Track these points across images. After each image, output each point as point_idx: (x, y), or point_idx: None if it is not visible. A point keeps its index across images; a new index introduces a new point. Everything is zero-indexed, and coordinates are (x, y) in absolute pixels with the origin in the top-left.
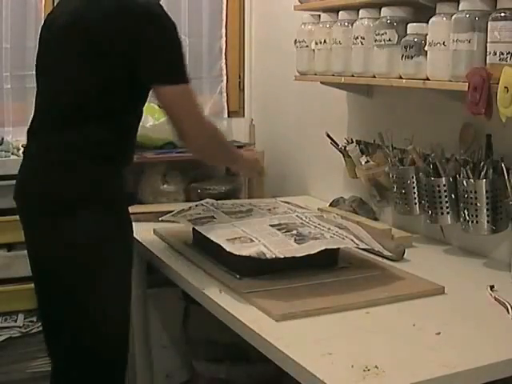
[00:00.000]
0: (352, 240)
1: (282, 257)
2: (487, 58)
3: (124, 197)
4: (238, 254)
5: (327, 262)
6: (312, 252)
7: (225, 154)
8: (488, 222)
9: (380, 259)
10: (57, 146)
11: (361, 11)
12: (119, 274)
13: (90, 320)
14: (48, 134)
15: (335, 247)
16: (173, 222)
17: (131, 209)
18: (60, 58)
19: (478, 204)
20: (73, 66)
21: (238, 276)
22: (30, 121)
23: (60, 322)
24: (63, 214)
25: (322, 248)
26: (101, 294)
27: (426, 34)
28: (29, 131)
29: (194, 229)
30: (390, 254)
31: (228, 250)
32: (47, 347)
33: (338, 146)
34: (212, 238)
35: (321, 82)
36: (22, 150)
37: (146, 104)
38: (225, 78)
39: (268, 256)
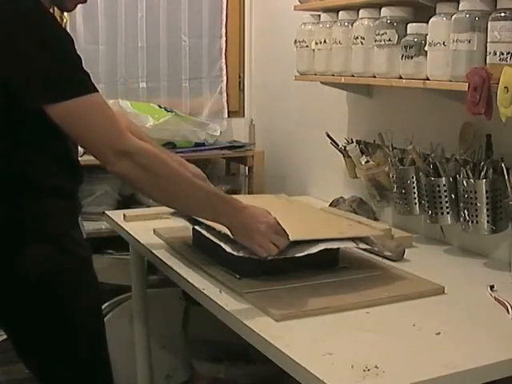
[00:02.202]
0: (352, 240)
1: (282, 257)
2: (487, 58)
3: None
4: (238, 254)
5: (327, 262)
6: (312, 252)
7: (180, 186)
8: (488, 222)
9: (380, 259)
10: None
11: (361, 11)
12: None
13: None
14: None
15: (335, 247)
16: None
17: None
18: None
19: (478, 204)
20: None
21: (237, 276)
22: None
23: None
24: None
25: (322, 248)
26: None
27: (426, 34)
28: None
29: (193, 229)
30: (389, 254)
31: (228, 250)
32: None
33: (338, 146)
34: (212, 239)
35: (321, 82)
36: None
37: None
38: (225, 78)
39: (268, 256)
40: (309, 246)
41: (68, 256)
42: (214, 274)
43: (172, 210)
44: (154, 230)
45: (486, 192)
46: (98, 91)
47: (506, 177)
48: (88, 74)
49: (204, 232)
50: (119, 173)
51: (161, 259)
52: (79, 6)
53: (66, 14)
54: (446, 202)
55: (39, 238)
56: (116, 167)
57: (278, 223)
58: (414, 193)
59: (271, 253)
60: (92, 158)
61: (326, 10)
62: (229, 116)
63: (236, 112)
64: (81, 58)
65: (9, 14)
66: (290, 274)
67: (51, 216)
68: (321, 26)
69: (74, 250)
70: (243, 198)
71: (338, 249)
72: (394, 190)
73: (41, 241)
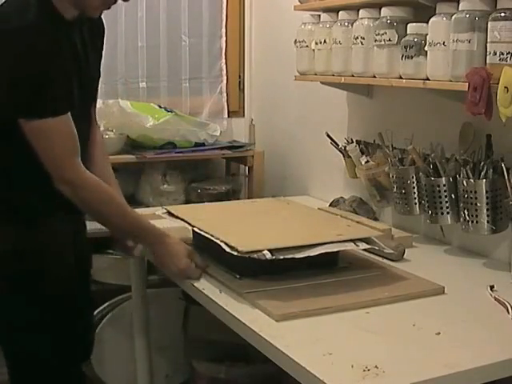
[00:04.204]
0: (352, 241)
1: (282, 258)
2: (487, 57)
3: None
4: (237, 254)
5: (327, 262)
6: (312, 254)
7: (110, 218)
8: (488, 222)
9: (380, 259)
10: None
11: (361, 11)
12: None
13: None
14: None
15: (335, 250)
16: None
17: None
18: None
19: (478, 204)
20: None
21: (237, 276)
22: None
23: None
24: None
25: (322, 252)
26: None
27: (426, 34)
28: None
29: (193, 229)
30: (391, 252)
31: (228, 250)
32: None
33: (338, 146)
34: (212, 238)
35: (321, 82)
36: None
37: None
38: (225, 78)
39: (268, 257)
40: (309, 248)
41: (37, 237)
42: (214, 274)
43: (170, 211)
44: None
45: (486, 192)
46: (64, 113)
47: (506, 177)
48: (67, 93)
49: (203, 233)
50: (61, 191)
51: None
52: None
53: None
54: (446, 202)
55: (14, 220)
56: (60, 187)
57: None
58: (414, 193)
59: (193, 275)
60: None
61: (326, 9)
62: (229, 116)
63: (236, 112)
64: (67, 73)
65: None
66: (290, 273)
67: (26, 203)
68: (321, 25)
69: (43, 234)
70: (242, 204)
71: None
72: (394, 190)
73: (15, 222)
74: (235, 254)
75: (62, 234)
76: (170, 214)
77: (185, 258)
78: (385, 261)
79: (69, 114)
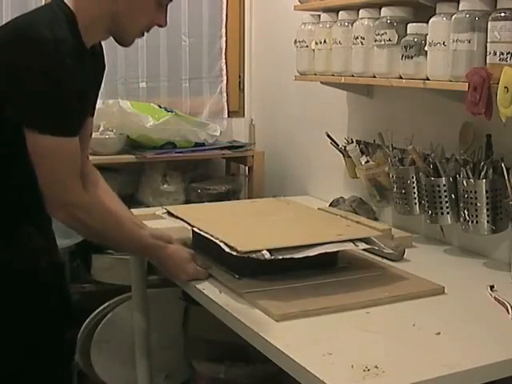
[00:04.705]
0: (351, 241)
1: (281, 258)
2: (487, 57)
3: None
4: (236, 254)
5: (327, 262)
6: (311, 254)
7: (108, 238)
8: (488, 222)
9: (380, 259)
10: None
11: (361, 11)
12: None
13: None
14: None
15: (334, 250)
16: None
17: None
18: None
19: (478, 204)
20: None
21: (237, 276)
22: None
23: None
24: None
25: (321, 252)
26: None
27: (426, 34)
28: None
29: (193, 229)
30: (390, 252)
31: (227, 250)
32: None
33: (338, 146)
34: (212, 239)
35: (321, 82)
36: None
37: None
38: (225, 78)
39: (267, 257)
40: (308, 248)
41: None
42: (214, 274)
43: (170, 211)
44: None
45: (486, 192)
46: (75, 136)
47: (506, 177)
48: (78, 116)
49: (203, 233)
50: (56, 219)
51: None
52: None
53: None
54: (446, 202)
55: None
56: (57, 212)
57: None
58: (414, 193)
59: (201, 277)
60: (91, 158)
61: (326, 9)
62: (229, 116)
63: (236, 112)
64: (85, 97)
65: (28, 41)
66: (290, 273)
67: None
68: (321, 25)
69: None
70: (242, 204)
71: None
72: (394, 190)
73: None
74: (234, 254)
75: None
76: (169, 214)
77: (190, 263)
78: (385, 261)
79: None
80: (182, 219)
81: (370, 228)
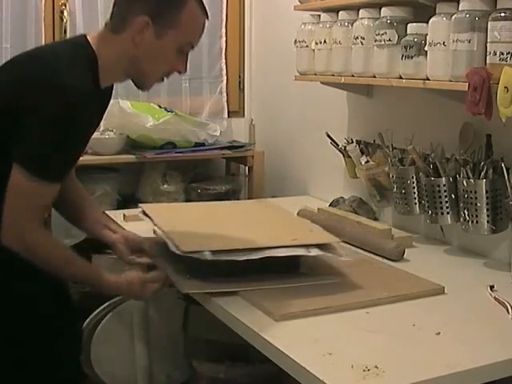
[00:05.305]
0: (305, 246)
1: (223, 260)
2: (487, 57)
3: None
4: (179, 253)
5: (289, 267)
6: (254, 258)
7: (65, 276)
8: (488, 222)
9: (380, 259)
10: None
11: (361, 11)
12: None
13: None
14: None
15: (280, 255)
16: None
17: None
18: None
19: (478, 204)
20: None
21: (188, 276)
22: None
23: None
24: None
25: (265, 256)
26: None
27: (426, 34)
28: None
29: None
30: (347, 259)
31: (172, 249)
32: None
33: (338, 146)
34: (162, 236)
35: (321, 82)
36: None
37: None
38: (225, 78)
39: (208, 257)
40: (254, 251)
41: None
42: (169, 273)
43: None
44: (154, 231)
45: (486, 192)
46: (54, 182)
47: (506, 177)
48: (73, 162)
49: (159, 231)
50: (6, 245)
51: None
52: (79, 5)
53: (65, 13)
54: (446, 202)
55: None
56: (10, 243)
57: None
58: (414, 193)
59: (156, 291)
60: (91, 158)
61: (326, 10)
62: (229, 116)
63: (236, 112)
64: (84, 141)
65: (45, 83)
66: (249, 277)
67: None
68: (321, 25)
69: None
70: (220, 205)
71: (299, 256)
72: (394, 190)
73: None
74: (178, 252)
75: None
76: (144, 213)
77: (140, 285)
78: (385, 261)
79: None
80: (149, 217)
81: (371, 228)
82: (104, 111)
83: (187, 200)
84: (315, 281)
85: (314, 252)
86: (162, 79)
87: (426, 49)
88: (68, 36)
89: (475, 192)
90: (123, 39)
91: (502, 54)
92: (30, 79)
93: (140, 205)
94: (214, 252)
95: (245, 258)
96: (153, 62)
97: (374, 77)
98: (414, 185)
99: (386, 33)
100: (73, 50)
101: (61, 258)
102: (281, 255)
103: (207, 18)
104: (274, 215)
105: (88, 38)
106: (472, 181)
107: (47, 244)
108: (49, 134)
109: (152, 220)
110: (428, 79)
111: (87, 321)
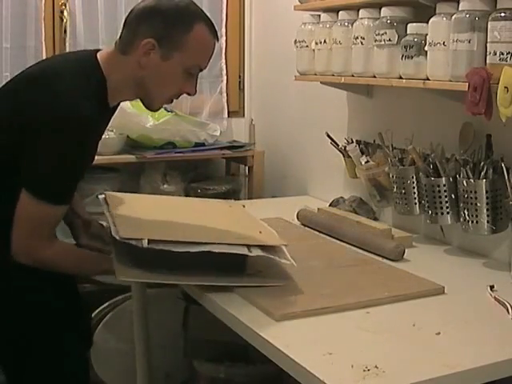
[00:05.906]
0: (247, 246)
1: (158, 249)
2: (487, 57)
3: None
4: (118, 238)
5: (234, 266)
6: (191, 251)
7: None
8: (488, 222)
9: (380, 259)
10: None
11: (361, 11)
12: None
13: None
14: None
15: (219, 251)
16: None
17: None
18: None
19: (478, 204)
20: None
21: (130, 264)
22: None
23: None
24: None
25: (202, 250)
26: None
27: (426, 34)
28: None
29: None
30: (289, 262)
31: (113, 234)
32: None
33: (338, 146)
34: (109, 220)
35: (321, 82)
36: None
37: None
38: (225, 78)
39: (144, 245)
40: (193, 245)
41: None
42: (113, 258)
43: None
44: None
45: (486, 192)
46: (63, 204)
47: (506, 177)
48: (71, 187)
49: (108, 215)
50: (17, 259)
51: None
52: (79, 5)
53: (65, 13)
54: (446, 202)
55: None
56: (19, 258)
57: None
58: (414, 193)
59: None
60: None
61: (326, 9)
62: (229, 116)
63: (236, 112)
64: (79, 170)
65: (49, 110)
66: (189, 271)
67: None
68: (321, 25)
69: None
70: (190, 201)
71: (245, 256)
72: (394, 190)
73: None
74: (117, 237)
75: None
76: (105, 201)
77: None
78: (385, 261)
79: None
80: (107, 204)
81: (371, 228)
82: (109, 122)
83: None
84: (259, 282)
85: (256, 252)
86: (172, 100)
87: (425, 49)
88: (68, 36)
89: (475, 192)
90: (130, 61)
91: (502, 54)
92: (37, 106)
93: (105, 192)
94: (151, 241)
95: (182, 250)
96: (159, 83)
97: (374, 77)
98: (414, 185)
99: (386, 33)
100: (82, 71)
101: (72, 264)
102: (219, 251)
103: (217, 40)
104: (232, 215)
105: (98, 56)
106: (472, 181)
107: (55, 258)
108: (55, 160)
109: (108, 206)
110: (428, 79)
111: None
